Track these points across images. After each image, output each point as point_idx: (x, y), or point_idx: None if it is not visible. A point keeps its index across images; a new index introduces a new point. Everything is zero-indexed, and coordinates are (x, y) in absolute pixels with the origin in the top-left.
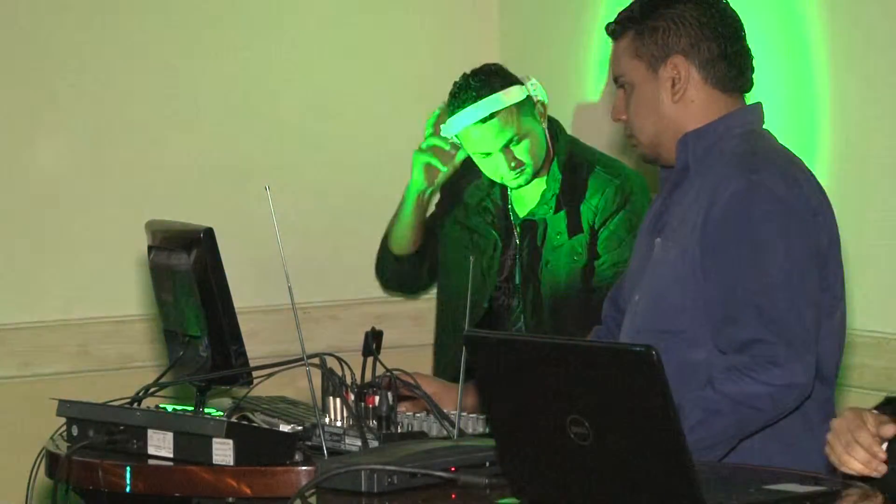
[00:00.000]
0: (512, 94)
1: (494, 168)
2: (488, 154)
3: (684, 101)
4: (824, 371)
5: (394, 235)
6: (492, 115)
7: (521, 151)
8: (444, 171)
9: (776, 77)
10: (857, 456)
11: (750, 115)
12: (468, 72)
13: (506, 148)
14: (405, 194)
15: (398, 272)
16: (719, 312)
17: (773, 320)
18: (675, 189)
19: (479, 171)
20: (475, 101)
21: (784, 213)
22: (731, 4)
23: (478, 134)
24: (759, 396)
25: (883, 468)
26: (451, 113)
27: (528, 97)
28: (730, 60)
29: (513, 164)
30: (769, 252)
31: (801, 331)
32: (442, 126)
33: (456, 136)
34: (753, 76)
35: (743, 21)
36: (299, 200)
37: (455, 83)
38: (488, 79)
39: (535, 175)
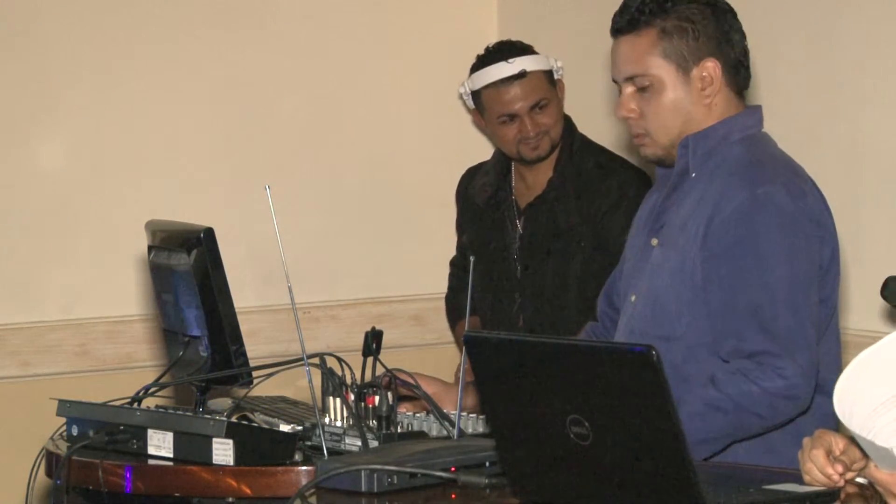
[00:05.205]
0: (541, 60)
1: (515, 134)
2: (513, 117)
3: (711, 103)
4: (824, 383)
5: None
6: (522, 75)
7: (544, 116)
8: None
9: (780, 72)
10: (812, 473)
11: (750, 118)
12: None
13: (532, 110)
14: None
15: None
16: (720, 323)
17: (776, 335)
18: (673, 191)
19: (479, 170)
20: (507, 59)
21: (789, 226)
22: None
23: (507, 92)
24: (761, 402)
25: (840, 483)
26: (479, 68)
27: (552, 70)
28: (742, 62)
29: (537, 130)
30: (773, 266)
31: (805, 345)
32: (466, 81)
33: (480, 96)
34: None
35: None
36: (299, 200)
37: (486, 47)
38: (521, 44)
39: (551, 150)
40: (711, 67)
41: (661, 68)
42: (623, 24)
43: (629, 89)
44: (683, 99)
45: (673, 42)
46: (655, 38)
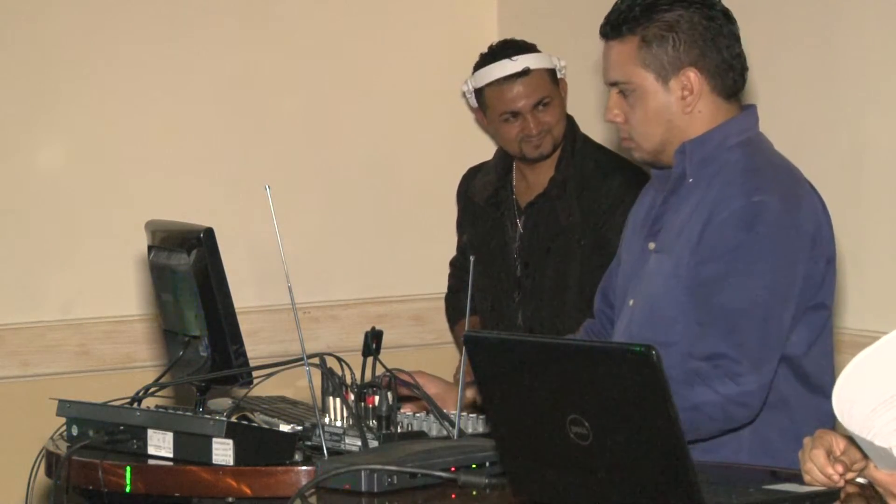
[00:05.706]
0: (545, 59)
1: (518, 131)
2: (516, 115)
3: (693, 111)
4: (821, 384)
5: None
6: (526, 72)
7: (547, 115)
8: None
9: (786, 73)
10: (812, 473)
11: (746, 121)
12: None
13: (534, 108)
14: None
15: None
16: (694, 315)
17: (743, 341)
18: (671, 194)
19: (480, 170)
20: (510, 56)
21: (780, 238)
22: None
23: (510, 90)
24: (713, 405)
25: (841, 483)
26: (482, 65)
27: (555, 69)
28: (732, 67)
29: (540, 128)
30: (758, 275)
31: (769, 358)
32: (469, 79)
33: (483, 94)
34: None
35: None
36: (299, 200)
37: (490, 45)
38: (524, 42)
39: (554, 149)
40: (692, 77)
41: (641, 77)
42: (608, 31)
43: (615, 94)
44: (664, 107)
45: (652, 51)
46: (636, 46)
